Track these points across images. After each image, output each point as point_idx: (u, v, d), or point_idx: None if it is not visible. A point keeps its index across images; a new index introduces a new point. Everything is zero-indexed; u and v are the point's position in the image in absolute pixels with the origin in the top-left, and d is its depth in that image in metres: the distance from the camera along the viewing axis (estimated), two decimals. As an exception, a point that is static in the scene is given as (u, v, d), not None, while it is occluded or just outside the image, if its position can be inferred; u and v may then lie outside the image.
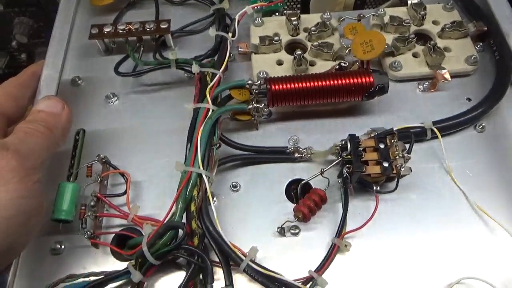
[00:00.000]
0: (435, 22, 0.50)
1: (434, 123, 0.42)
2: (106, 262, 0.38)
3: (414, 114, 0.45)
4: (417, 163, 0.41)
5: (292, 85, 0.42)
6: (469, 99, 0.45)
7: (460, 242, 0.38)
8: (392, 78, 0.47)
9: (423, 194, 0.41)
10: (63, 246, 0.38)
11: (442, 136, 0.42)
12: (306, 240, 0.39)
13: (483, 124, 0.43)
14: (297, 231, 0.39)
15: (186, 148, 0.40)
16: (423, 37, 0.50)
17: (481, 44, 0.49)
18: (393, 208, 0.40)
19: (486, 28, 0.48)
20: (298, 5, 0.58)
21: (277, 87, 0.42)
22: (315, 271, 0.36)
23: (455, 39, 0.48)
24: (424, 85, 0.47)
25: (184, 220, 0.35)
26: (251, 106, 0.43)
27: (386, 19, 0.49)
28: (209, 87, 0.42)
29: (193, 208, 0.36)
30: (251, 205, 0.41)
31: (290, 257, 0.38)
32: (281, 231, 0.39)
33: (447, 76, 0.45)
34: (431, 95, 0.47)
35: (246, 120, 0.44)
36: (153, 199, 0.41)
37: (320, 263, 0.36)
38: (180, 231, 0.33)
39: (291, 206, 0.40)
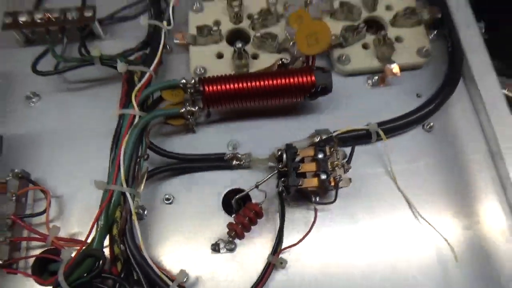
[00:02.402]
0: (388, 8, 0.46)
1: (380, 124, 0.40)
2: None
3: (362, 112, 0.42)
4: (361, 168, 0.40)
5: (227, 86, 0.39)
6: (419, 95, 0.42)
7: (405, 258, 0.37)
8: (340, 72, 0.44)
9: (367, 203, 0.38)
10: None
11: (389, 136, 0.40)
12: (242, 257, 0.37)
13: (431, 124, 0.41)
14: (232, 246, 0.37)
15: (110, 161, 0.36)
16: (375, 25, 0.46)
17: (435, 32, 0.46)
18: (334, 219, 0.38)
19: (440, 15, 0.45)
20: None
21: (211, 88, 0.39)
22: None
23: (409, 27, 0.45)
24: (374, 80, 0.44)
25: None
26: (184, 109, 0.39)
27: (336, 4, 0.45)
28: (135, 89, 0.38)
29: (115, 231, 0.33)
30: (185, 218, 0.38)
31: (225, 276, 0.36)
32: (216, 248, 0.37)
33: (396, 70, 0.42)
34: (380, 90, 0.44)
35: (180, 125, 0.40)
36: (79, 214, 0.38)
37: (254, 284, 0.35)
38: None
39: (228, 219, 0.38)
